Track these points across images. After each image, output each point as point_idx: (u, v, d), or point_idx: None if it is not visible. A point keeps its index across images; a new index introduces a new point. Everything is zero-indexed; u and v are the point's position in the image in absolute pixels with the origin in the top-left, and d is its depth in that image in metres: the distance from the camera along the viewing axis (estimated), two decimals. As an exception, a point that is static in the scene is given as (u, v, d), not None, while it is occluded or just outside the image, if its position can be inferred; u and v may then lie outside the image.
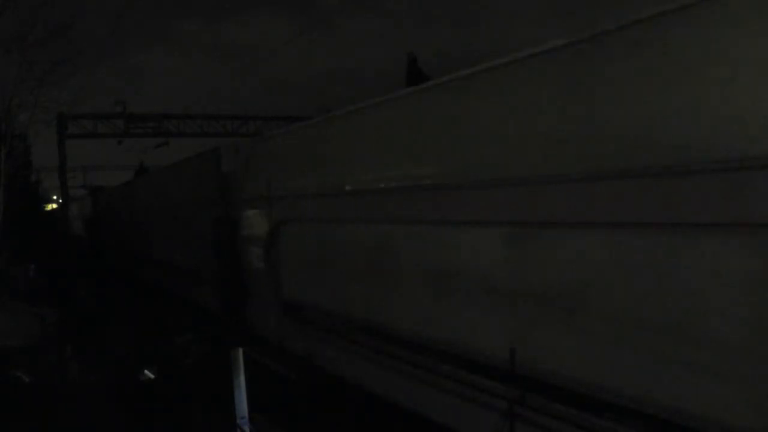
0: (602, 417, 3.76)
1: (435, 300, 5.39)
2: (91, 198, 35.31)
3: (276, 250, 8.02)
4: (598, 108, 3.78)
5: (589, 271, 3.90)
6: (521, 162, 4.28)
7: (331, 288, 6.87)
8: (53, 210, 43.01)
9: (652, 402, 3.48)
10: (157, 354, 10.82)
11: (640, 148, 3.48)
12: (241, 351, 6.72)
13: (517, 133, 4.37)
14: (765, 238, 2.96)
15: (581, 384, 3.89)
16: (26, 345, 10.29)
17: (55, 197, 42.80)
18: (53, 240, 26.44)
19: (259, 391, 7.07)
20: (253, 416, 6.75)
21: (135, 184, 19.67)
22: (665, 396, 3.43)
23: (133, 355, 10.86)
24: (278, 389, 8.31)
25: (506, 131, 4.47)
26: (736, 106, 3.05)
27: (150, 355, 10.77)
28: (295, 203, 7.51)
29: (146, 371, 10.13)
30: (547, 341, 4.17)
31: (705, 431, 3.24)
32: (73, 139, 28.78)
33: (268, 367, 8.96)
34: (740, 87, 3.01)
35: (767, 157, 2.83)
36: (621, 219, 3.64)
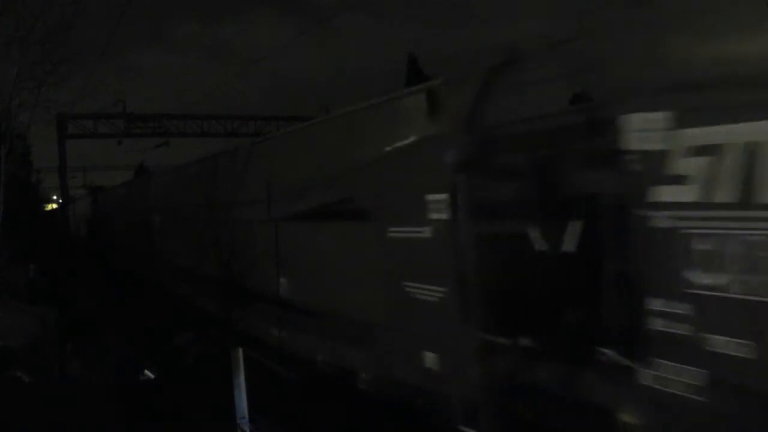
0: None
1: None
2: (91, 198, 35.34)
3: (166, 237, 15.00)
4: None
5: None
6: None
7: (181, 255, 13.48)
8: (53, 210, 42.97)
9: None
10: (157, 354, 10.82)
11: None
12: (241, 351, 6.73)
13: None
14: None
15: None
16: (26, 345, 10.28)
17: (55, 197, 42.75)
18: (53, 240, 26.42)
19: (260, 391, 7.08)
20: (253, 416, 6.75)
21: (118, 191, 23.80)
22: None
23: (133, 355, 10.86)
24: (278, 389, 8.32)
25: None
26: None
27: (150, 355, 10.77)
28: (167, 212, 15.13)
29: (146, 371, 10.12)
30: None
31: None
32: (73, 139, 28.78)
33: (269, 367, 8.97)
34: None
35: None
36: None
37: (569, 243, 4.17)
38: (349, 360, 6.88)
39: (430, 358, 5.54)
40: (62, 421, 7.32)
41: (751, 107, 3.08)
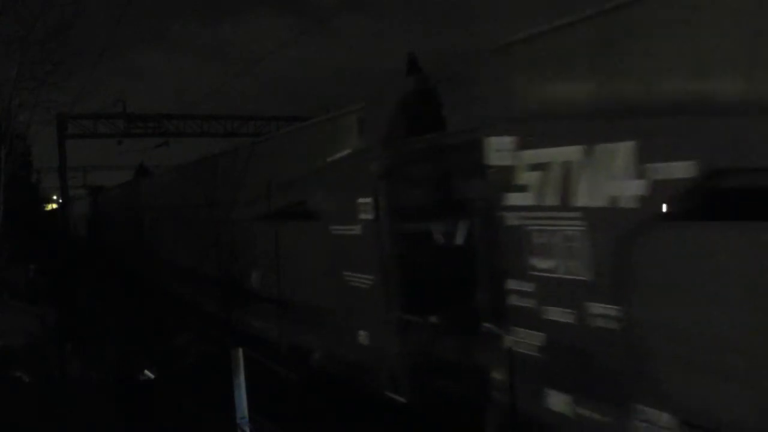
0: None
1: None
2: (90, 198, 35.35)
3: (161, 236, 16.21)
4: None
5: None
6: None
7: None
8: (53, 210, 42.96)
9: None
10: (157, 354, 10.82)
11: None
12: (241, 351, 6.74)
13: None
14: None
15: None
16: (26, 345, 10.28)
17: (55, 197, 42.74)
18: (53, 240, 26.42)
19: (260, 391, 7.09)
20: (253, 416, 6.75)
21: (117, 191, 24.46)
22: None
23: (133, 355, 10.87)
24: (278, 389, 8.32)
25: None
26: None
27: (150, 355, 10.78)
28: (152, 212, 17.17)
29: (146, 371, 10.13)
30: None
31: None
32: (73, 139, 28.77)
33: (269, 367, 8.97)
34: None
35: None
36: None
37: (459, 238, 5.33)
38: (305, 341, 8.07)
39: (363, 336, 6.73)
40: (62, 421, 7.33)
41: (565, 135, 4.10)
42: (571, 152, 4.04)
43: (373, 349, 6.54)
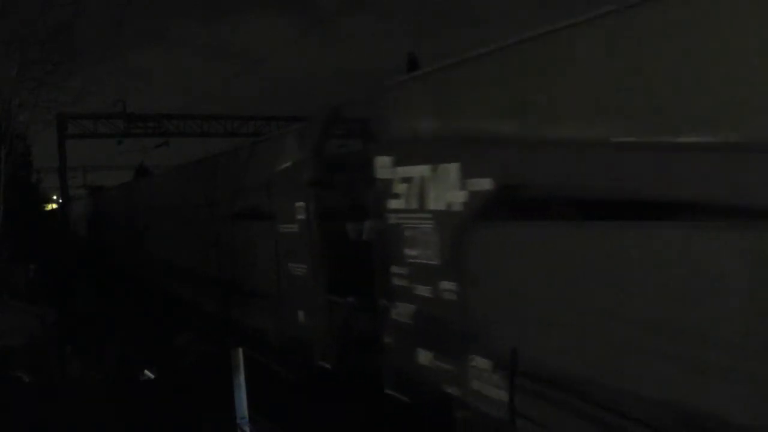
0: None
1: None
2: (90, 198, 35.37)
3: (153, 234, 17.02)
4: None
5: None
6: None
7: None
8: (53, 210, 42.96)
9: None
10: (157, 354, 10.82)
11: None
12: (241, 351, 6.74)
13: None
14: None
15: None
16: (26, 345, 10.29)
17: (55, 197, 42.74)
18: (53, 240, 26.42)
19: (260, 391, 7.10)
20: (253, 416, 6.75)
21: (117, 192, 24.52)
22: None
23: (133, 355, 10.87)
24: (278, 389, 8.33)
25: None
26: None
27: (150, 355, 10.78)
28: (152, 212, 17.30)
29: (146, 371, 10.13)
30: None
31: None
32: (73, 139, 28.78)
33: (269, 367, 8.98)
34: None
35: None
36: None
37: (364, 234, 7.00)
38: (262, 324, 9.47)
39: (301, 316, 8.11)
40: (62, 421, 7.33)
41: (421, 157, 5.59)
42: (424, 169, 5.48)
43: (309, 327, 7.94)
